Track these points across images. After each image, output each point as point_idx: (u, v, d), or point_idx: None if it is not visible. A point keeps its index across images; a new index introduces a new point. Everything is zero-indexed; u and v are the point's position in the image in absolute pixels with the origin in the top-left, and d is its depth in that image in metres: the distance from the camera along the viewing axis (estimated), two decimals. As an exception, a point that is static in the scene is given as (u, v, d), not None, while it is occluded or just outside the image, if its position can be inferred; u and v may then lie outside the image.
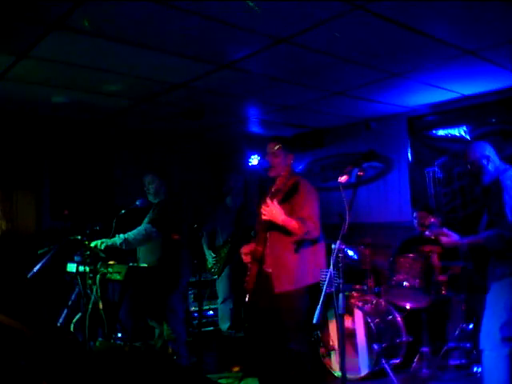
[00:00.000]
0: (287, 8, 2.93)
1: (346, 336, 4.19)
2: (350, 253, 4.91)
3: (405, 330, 4.37)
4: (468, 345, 4.08)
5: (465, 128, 5.21)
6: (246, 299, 3.47)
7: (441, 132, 5.43)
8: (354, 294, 4.66)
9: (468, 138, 5.16)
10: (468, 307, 4.25)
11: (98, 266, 4.11)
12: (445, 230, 3.40)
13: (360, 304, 4.41)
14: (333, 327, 4.34)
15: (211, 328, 5.91)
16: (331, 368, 4.39)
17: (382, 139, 5.92)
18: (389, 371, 4.01)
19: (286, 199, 3.39)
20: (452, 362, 4.16)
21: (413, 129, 5.68)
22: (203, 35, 3.32)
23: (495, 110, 4.95)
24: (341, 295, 2.96)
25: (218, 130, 6.36)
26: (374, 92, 4.79)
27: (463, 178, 5.13)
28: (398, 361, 4.29)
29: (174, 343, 4.39)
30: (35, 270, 3.85)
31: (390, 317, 4.45)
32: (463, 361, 4.14)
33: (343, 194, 3.04)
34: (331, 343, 4.38)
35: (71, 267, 4.19)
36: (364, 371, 4.20)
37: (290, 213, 3.37)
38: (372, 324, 4.20)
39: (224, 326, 5.69)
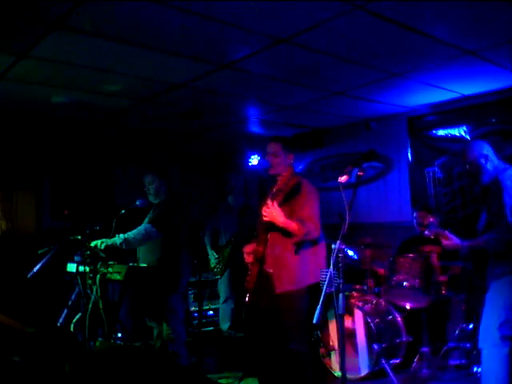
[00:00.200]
0: (287, 8, 2.93)
1: (346, 336, 4.19)
2: (350, 253, 4.91)
3: (405, 329, 4.37)
4: (468, 345, 4.07)
5: (465, 128, 5.21)
6: (246, 299, 3.47)
7: (441, 132, 5.43)
8: (354, 293, 4.66)
9: (468, 138, 5.16)
10: (468, 307, 4.25)
11: (98, 266, 4.10)
12: (446, 233, 3.39)
13: (360, 304, 4.41)
14: (333, 327, 4.34)
15: (211, 328, 5.91)
16: (331, 368, 4.39)
17: (382, 139, 5.92)
18: (389, 371, 4.01)
19: (288, 199, 3.40)
20: (452, 362, 4.16)
21: (413, 129, 5.68)
22: (203, 35, 3.32)
23: (495, 109, 4.95)
24: (341, 295, 2.96)
25: (218, 130, 6.36)
26: (374, 92, 4.79)
27: (463, 178, 5.13)
28: (397, 361, 4.29)
29: (173, 343, 4.39)
30: (35, 270, 3.84)
31: (390, 317, 4.45)
32: (463, 361, 4.14)
33: (343, 193, 3.04)
34: (331, 343, 4.38)
35: (71, 267, 4.18)
36: (364, 371, 4.20)
37: (290, 213, 3.38)
38: (372, 324, 4.20)
39: (224, 325, 5.69)
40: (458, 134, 5.26)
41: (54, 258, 3.93)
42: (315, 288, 3.45)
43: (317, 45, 3.53)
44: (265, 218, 3.37)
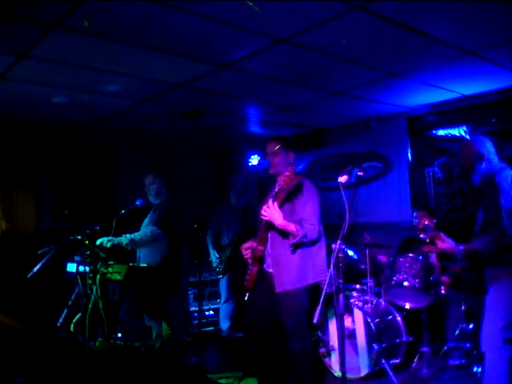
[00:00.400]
0: (287, 8, 2.93)
1: (346, 336, 4.19)
2: (350, 253, 4.91)
3: (405, 330, 4.36)
4: (468, 345, 4.07)
5: (465, 128, 5.21)
6: (246, 298, 3.47)
7: (441, 132, 5.43)
8: (354, 293, 4.65)
9: (468, 138, 5.16)
10: (468, 307, 4.25)
11: (98, 266, 4.10)
12: (442, 236, 3.34)
13: (360, 304, 4.41)
14: (333, 327, 4.34)
15: (211, 328, 5.91)
16: (331, 368, 4.39)
17: (382, 139, 5.92)
18: (389, 371, 4.01)
19: (289, 199, 3.40)
20: (452, 362, 4.15)
21: (413, 129, 5.68)
22: (203, 35, 3.32)
23: (495, 109, 4.95)
24: (341, 295, 2.96)
25: (218, 130, 6.36)
26: (374, 92, 4.79)
27: (462, 177, 5.13)
28: (397, 361, 4.29)
29: (172, 343, 4.40)
30: (35, 270, 3.84)
31: (390, 317, 4.45)
32: (463, 361, 4.14)
33: (343, 193, 3.04)
34: (331, 343, 4.38)
35: (71, 267, 4.19)
36: (364, 371, 4.20)
37: (291, 212, 3.38)
38: (372, 324, 4.20)
39: (225, 325, 5.70)
40: (458, 134, 5.26)
41: (53, 258, 3.93)
42: (315, 288, 3.46)
43: (317, 45, 3.53)
44: (264, 218, 3.37)
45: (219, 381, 4.37)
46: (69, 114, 5.30)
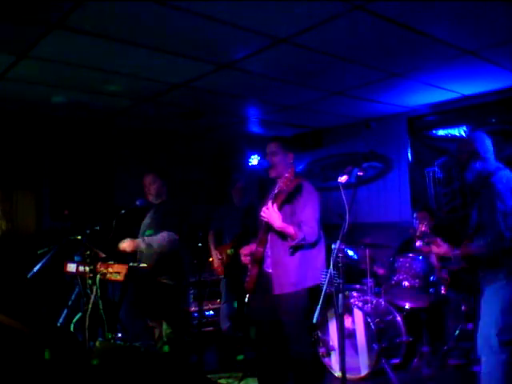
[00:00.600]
0: (287, 8, 2.93)
1: (346, 336, 4.19)
2: (350, 253, 4.91)
3: (405, 329, 4.37)
4: (468, 345, 4.08)
5: (465, 128, 5.21)
6: (246, 299, 3.47)
7: (441, 132, 5.44)
8: (354, 293, 4.66)
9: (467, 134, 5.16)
10: (468, 307, 4.25)
11: (98, 266, 4.10)
12: (438, 241, 3.24)
13: (360, 304, 4.41)
14: (333, 327, 4.34)
15: (211, 328, 5.90)
16: (331, 368, 4.39)
17: (382, 139, 5.92)
18: (389, 371, 4.01)
19: (289, 200, 3.40)
20: (452, 362, 4.16)
21: (413, 129, 5.68)
22: (203, 35, 3.32)
23: (495, 109, 4.95)
24: (341, 295, 2.96)
25: (218, 130, 6.36)
26: (374, 92, 4.79)
27: (456, 174, 5.12)
28: (397, 361, 4.29)
29: (173, 343, 4.39)
30: (35, 270, 3.84)
31: (390, 317, 4.45)
32: (463, 361, 4.14)
33: (343, 193, 3.04)
34: (331, 343, 4.38)
35: (71, 267, 4.18)
36: (364, 371, 4.20)
37: (291, 214, 3.38)
38: (372, 324, 4.20)
39: (225, 325, 5.69)
40: (457, 134, 5.26)
41: (53, 258, 3.93)
42: (315, 288, 3.45)
43: (317, 45, 3.54)
44: (263, 219, 3.37)
45: (219, 381, 4.37)
46: (69, 113, 5.31)
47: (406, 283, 4.23)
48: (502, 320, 2.89)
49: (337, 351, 4.27)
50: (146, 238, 4.35)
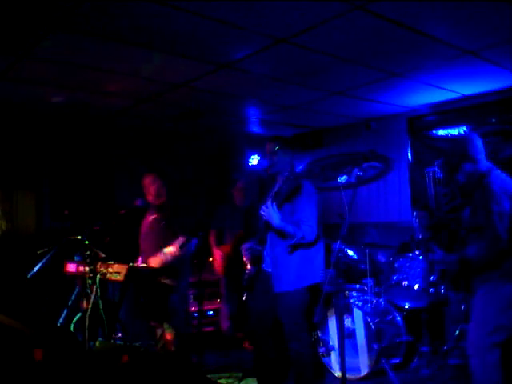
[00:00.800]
0: (287, 8, 2.93)
1: (346, 336, 4.19)
2: (350, 253, 4.91)
3: (405, 329, 4.37)
4: (468, 345, 4.07)
5: (465, 128, 5.21)
6: (244, 298, 3.47)
7: (441, 132, 5.43)
8: (354, 293, 4.66)
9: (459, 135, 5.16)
10: (468, 307, 4.24)
11: (98, 266, 4.11)
12: (433, 248, 3.26)
13: (360, 304, 4.41)
14: (333, 327, 4.34)
15: (211, 328, 5.91)
16: (331, 368, 4.40)
17: (382, 139, 5.92)
18: (389, 371, 4.01)
19: (288, 199, 3.40)
20: (452, 362, 4.16)
21: (413, 129, 5.68)
22: (203, 35, 3.32)
23: (495, 109, 4.95)
24: (341, 295, 2.96)
25: (218, 130, 6.36)
26: (374, 92, 4.79)
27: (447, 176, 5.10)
28: (397, 360, 4.29)
29: (175, 343, 4.40)
30: (35, 269, 3.84)
31: (390, 317, 4.45)
32: (463, 361, 4.14)
33: (343, 193, 3.04)
34: (331, 343, 4.38)
35: (71, 267, 4.19)
36: (364, 371, 4.20)
37: (290, 213, 3.38)
38: (372, 324, 4.20)
39: (225, 325, 5.70)
40: (457, 134, 5.25)
41: (53, 258, 3.93)
42: (315, 288, 3.45)
43: (317, 45, 3.53)
44: (263, 218, 3.38)
45: (219, 381, 4.37)
46: (69, 113, 5.31)
47: (405, 283, 4.23)
48: (495, 321, 2.87)
49: (337, 351, 4.28)
50: (165, 251, 4.36)
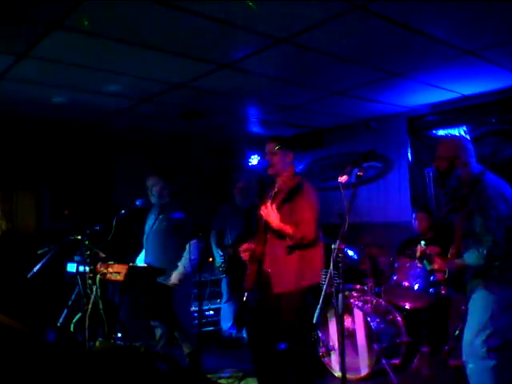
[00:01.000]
0: (287, 8, 2.93)
1: (346, 336, 4.19)
2: (350, 253, 4.91)
3: (405, 329, 4.37)
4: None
5: (465, 128, 5.21)
6: (244, 298, 3.47)
7: (441, 132, 5.43)
8: (354, 293, 4.66)
9: (468, 138, 5.16)
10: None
11: (98, 266, 4.11)
12: (434, 258, 3.15)
13: (360, 304, 4.41)
14: (333, 327, 4.34)
15: (211, 328, 5.91)
16: (331, 368, 4.40)
17: (382, 139, 5.93)
18: (389, 371, 4.01)
19: (288, 199, 3.40)
20: (452, 362, 4.15)
21: (413, 129, 5.68)
22: (203, 35, 3.31)
23: (495, 109, 4.95)
24: (341, 295, 2.96)
25: (218, 130, 6.36)
26: (374, 92, 4.79)
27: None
28: (398, 361, 4.29)
29: (184, 341, 4.42)
30: (35, 269, 3.85)
31: (390, 317, 4.45)
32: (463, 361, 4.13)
33: (343, 193, 3.04)
34: (331, 343, 4.38)
35: (71, 267, 4.19)
36: (364, 371, 4.20)
37: (289, 213, 3.38)
38: (372, 324, 4.20)
39: (225, 325, 5.70)
40: (457, 134, 5.25)
41: (53, 258, 3.93)
42: (315, 288, 3.45)
43: (317, 45, 3.53)
44: (262, 218, 3.38)
45: (219, 381, 4.37)
46: (69, 114, 5.31)
47: (406, 283, 4.23)
48: (491, 326, 2.83)
49: (337, 351, 4.27)
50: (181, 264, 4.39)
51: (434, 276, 3.58)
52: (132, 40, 3.37)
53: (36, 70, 3.92)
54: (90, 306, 3.89)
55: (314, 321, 2.81)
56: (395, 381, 3.94)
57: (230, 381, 4.41)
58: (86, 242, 4.04)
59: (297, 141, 6.55)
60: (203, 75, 4.13)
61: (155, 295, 4.44)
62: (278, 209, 3.34)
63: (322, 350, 4.44)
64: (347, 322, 4.31)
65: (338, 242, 3.02)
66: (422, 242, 3.07)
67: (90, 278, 3.98)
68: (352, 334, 4.30)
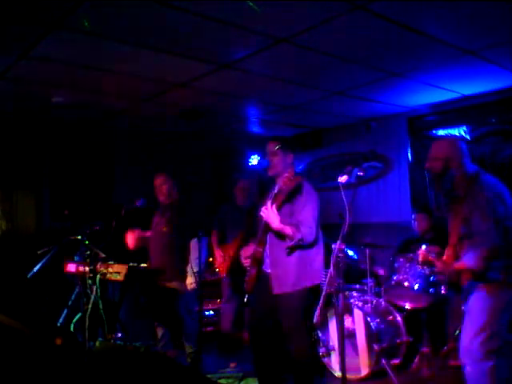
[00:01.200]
0: (287, 8, 2.93)
1: (346, 336, 4.19)
2: (350, 253, 4.91)
3: (405, 329, 4.36)
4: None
5: (465, 128, 5.21)
6: (245, 300, 3.47)
7: (441, 132, 5.44)
8: (354, 293, 4.66)
9: (468, 137, 5.16)
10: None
11: (98, 266, 4.11)
12: (436, 262, 3.13)
13: (360, 304, 4.41)
14: (333, 327, 4.34)
15: (211, 328, 5.91)
16: (331, 368, 4.39)
17: (382, 139, 5.93)
18: (389, 371, 4.01)
19: (288, 200, 3.39)
20: (452, 362, 4.15)
21: (413, 129, 5.68)
22: (203, 35, 3.32)
23: (495, 109, 4.95)
24: (341, 295, 2.96)
25: (218, 130, 6.36)
26: (374, 92, 4.79)
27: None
28: (398, 361, 4.29)
29: (188, 340, 4.43)
30: (35, 269, 3.85)
31: (390, 317, 4.45)
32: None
33: (343, 193, 3.04)
34: (331, 343, 4.38)
35: (71, 267, 4.19)
36: (364, 371, 4.20)
37: (290, 214, 3.38)
38: (372, 324, 4.20)
39: (226, 325, 5.69)
40: (458, 134, 5.26)
41: (53, 258, 3.93)
42: (315, 288, 3.45)
43: (317, 45, 3.53)
44: (262, 219, 3.38)
45: (219, 381, 4.37)
46: (69, 113, 5.31)
47: (406, 283, 4.23)
48: (489, 328, 2.81)
49: (337, 351, 4.27)
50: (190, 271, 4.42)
51: (435, 277, 3.58)
52: (132, 40, 3.37)
53: (36, 70, 3.92)
54: (89, 306, 3.89)
55: (314, 320, 2.80)
56: (395, 381, 3.94)
57: (229, 381, 4.41)
58: (86, 242, 4.04)
59: (297, 141, 6.55)
60: (203, 75, 4.13)
61: (157, 297, 4.44)
62: (279, 209, 3.34)
63: (322, 350, 4.44)
64: (347, 322, 4.30)
65: (338, 242, 3.02)
66: (423, 247, 3.05)
67: (89, 277, 3.98)
68: (352, 334, 4.30)
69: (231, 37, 3.36)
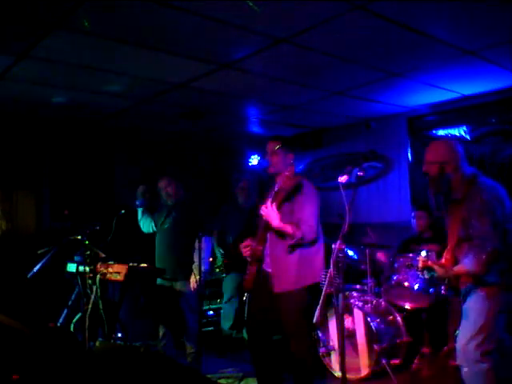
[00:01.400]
0: (287, 8, 2.93)
1: (346, 336, 4.19)
2: (350, 253, 4.91)
3: (405, 330, 4.36)
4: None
5: (465, 128, 5.21)
6: (244, 298, 3.47)
7: (441, 132, 5.43)
8: (354, 293, 4.65)
9: (468, 138, 5.16)
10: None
11: (98, 266, 4.11)
12: (435, 267, 3.01)
13: (360, 304, 4.41)
14: (333, 327, 4.34)
15: (211, 328, 5.91)
16: (331, 368, 4.39)
17: (382, 139, 5.92)
18: (389, 371, 4.01)
19: (288, 199, 3.40)
20: (452, 362, 4.15)
21: (413, 129, 5.68)
22: (203, 35, 3.32)
23: (495, 109, 4.95)
24: (341, 295, 2.96)
25: (218, 130, 6.36)
26: (374, 92, 4.79)
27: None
28: (398, 361, 4.29)
29: (189, 340, 4.43)
30: (35, 269, 3.85)
31: (391, 317, 4.45)
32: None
33: (343, 193, 3.04)
34: (331, 343, 4.38)
35: (71, 267, 4.19)
36: (364, 371, 4.20)
37: (290, 212, 3.38)
38: (372, 324, 4.20)
39: (226, 325, 5.69)
40: (458, 134, 5.25)
41: (53, 258, 3.93)
42: (315, 288, 3.45)
43: (317, 45, 3.53)
44: (263, 218, 3.38)
45: (219, 381, 4.37)
46: (69, 113, 5.31)
47: (406, 283, 4.23)
48: (486, 331, 2.80)
49: (337, 351, 4.27)
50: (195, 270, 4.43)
51: (435, 280, 3.57)
52: (132, 40, 3.37)
53: (36, 70, 3.92)
54: (89, 306, 3.90)
55: (314, 321, 2.80)
56: (395, 381, 3.94)
57: (229, 381, 4.41)
58: (86, 242, 4.04)
59: (297, 141, 6.55)
60: (203, 75, 4.13)
61: (159, 296, 4.44)
62: (279, 208, 3.34)
63: (322, 350, 4.44)
64: (347, 322, 4.31)
65: (338, 242, 3.02)
66: (423, 253, 3.03)
67: (89, 278, 3.98)
68: (352, 334, 4.30)
69: (231, 37, 3.36)
